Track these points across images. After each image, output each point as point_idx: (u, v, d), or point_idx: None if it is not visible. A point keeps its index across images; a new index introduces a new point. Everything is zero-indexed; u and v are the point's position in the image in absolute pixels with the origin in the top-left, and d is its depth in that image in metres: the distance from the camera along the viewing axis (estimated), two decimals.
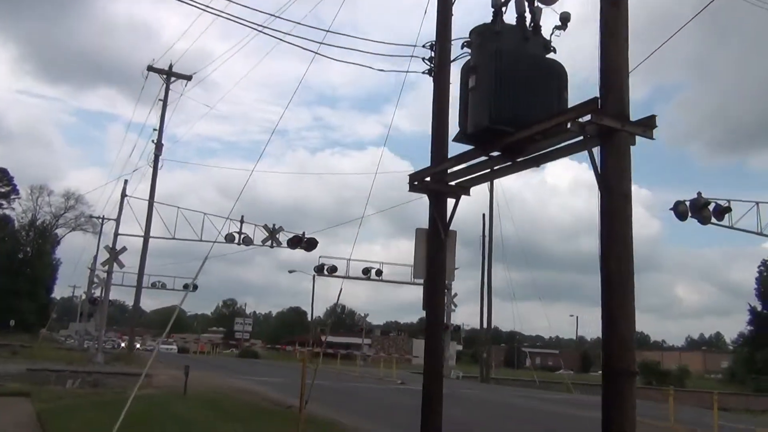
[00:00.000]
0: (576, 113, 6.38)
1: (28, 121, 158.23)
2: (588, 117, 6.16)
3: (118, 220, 26.19)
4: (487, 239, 37.03)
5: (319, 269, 36.00)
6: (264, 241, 28.38)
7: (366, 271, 36.98)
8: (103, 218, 65.32)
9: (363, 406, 16.44)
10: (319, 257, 36.31)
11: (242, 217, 28.10)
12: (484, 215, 37.55)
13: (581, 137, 6.51)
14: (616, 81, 6.22)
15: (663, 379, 62.06)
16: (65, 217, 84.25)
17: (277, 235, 28.51)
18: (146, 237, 29.56)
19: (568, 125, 6.52)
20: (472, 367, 50.21)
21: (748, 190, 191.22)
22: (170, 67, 34.91)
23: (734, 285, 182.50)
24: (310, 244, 28.63)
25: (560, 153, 7.28)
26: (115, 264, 26.67)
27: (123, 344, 56.16)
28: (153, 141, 33.40)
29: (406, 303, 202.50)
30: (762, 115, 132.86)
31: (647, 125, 6.34)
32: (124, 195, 26.61)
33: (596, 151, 6.28)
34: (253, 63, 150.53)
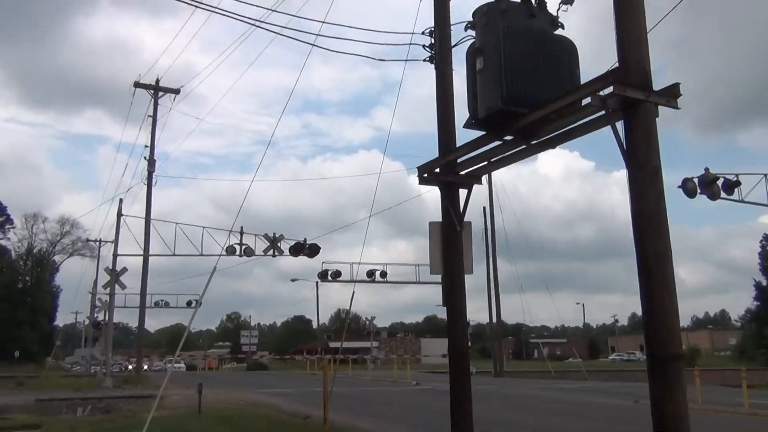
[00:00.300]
0: (595, 86, 6.04)
1: (15, 149, 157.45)
2: (610, 89, 5.82)
3: (116, 241, 25.79)
4: (489, 231, 36.67)
5: (323, 275, 35.56)
6: (266, 251, 27.94)
7: (370, 274, 36.55)
8: (100, 241, 64.90)
9: (383, 410, 16.05)
10: (322, 263, 35.94)
11: (242, 228, 27.67)
12: (484, 208, 37.28)
13: (602, 112, 6.17)
14: (637, 50, 5.89)
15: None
16: (62, 243, 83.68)
17: (279, 244, 28.09)
18: (146, 255, 29.13)
19: (588, 100, 6.20)
20: (481, 362, 49.87)
21: (737, 167, 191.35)
22: (157, 81, 34.54)
23: (733, 262, 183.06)
24: (312, 251, 28.21)
25: (578, 131, 6.93)
26: (116, 286, 26.23)
27: (130, 366, 55.67)
28: (145, 158, 33.05)
29: (408, 304, 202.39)
30: (747, 93, 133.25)
31: (671, 94, 6.01)
32: (120, 215, 26.20)
33: (619, 126, 5.95)
34: (238, 74, 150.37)
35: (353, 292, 11.02)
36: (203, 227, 27.04)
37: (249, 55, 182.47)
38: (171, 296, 51.73)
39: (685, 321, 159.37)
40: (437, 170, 8.79)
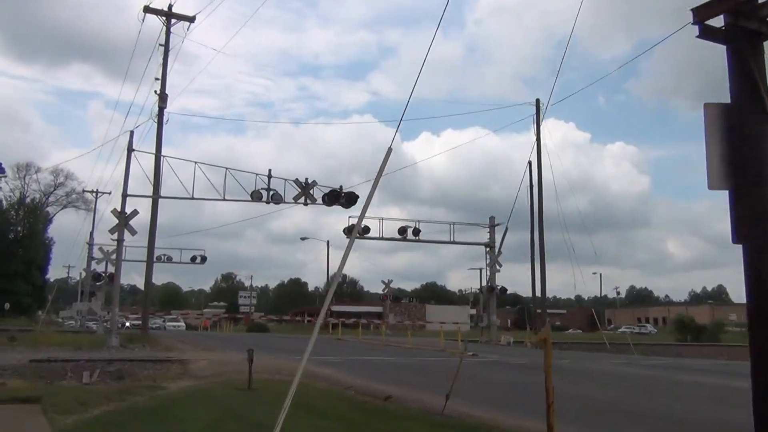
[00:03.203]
0: None
1: (3, 103, 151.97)
2: None
3: (126, 178, 22.14)
4: (536, 190, 33.06)
5: (350, 230, 32.19)
6: (296, 198, 24.48)
7: (402, 231, 33.28)
8: (97, 192, 61.35)
9: (483, 392, 12.64)
10: (348, 217, 32.62)
11: (270, 171, 24.15)
12: (530, 162, 33.61)
13: None
14: None
15: (698, 335, 59.34)
16: (55, 194, 79.86)
17: (311, 191, 24.58)
18: (155, 197, 25.50)
19: None
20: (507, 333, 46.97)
21: None
22: (170, 7, 30.48)
23: (723, 237, 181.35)
24: (349, 199, 24.73)
25: None
26: (125, 231, 22.63)
27: (128, 324, 52.67)
28: (156, 92, 29.16)
29: (400, 270, 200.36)
30: None
31: None
32: (131, 149, 22.51)
33: None
34: (232, 34, 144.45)
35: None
36: (226, 168, 23.43)
37: (244, 15, 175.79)
38: (173, 250, 48.62)
39: (682, 295, 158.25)
40: (724, 15, 5.23)
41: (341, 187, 24.94)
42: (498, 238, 35.61)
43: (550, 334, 5.40)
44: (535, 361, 20.45)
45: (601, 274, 69.79)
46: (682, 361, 23.99)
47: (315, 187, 24.81)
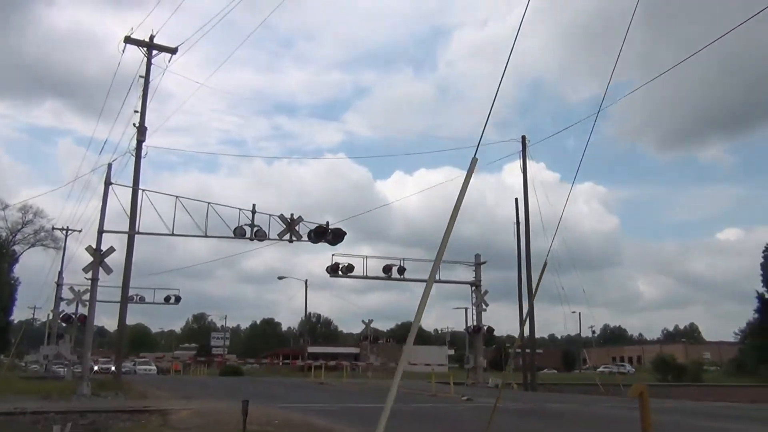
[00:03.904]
0: None
1: None
2: None
3: (102, 213, 20.88)
4: (522, 227, 32.44)
5: (333, 269, 31.19)
6: (281, 235, 23.43)
7: (387, 269, 32.34)
8: (67, 230, 59.37)
9: None
10: (332, 255, 31.62)
11: (254, 206, 23.15)
12: (516, 200, 33.17)
13: None
14: None
15: (680, 375, 58.90)
16: (23, 232, 77.13)
17: (297, 227, 23.60)
18: (132, 234, 24.26)
19: None
20: (461, 372, 45.66)
21: (698, 184, 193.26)
22: (151, 38, 29.64)
23: (693, 276, 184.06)
24: (336, 236, 23.77)
25: None
26: (100, 270, 21.30)
27: (96, 368, 50.33)
28: (134, 125, 28.13)
29: (375, 309, 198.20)
30: (706, 111, 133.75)
31: None
32: (108, 183, 21.34)
33: None
34: (208, 74, 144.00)
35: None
36: (209, 203, 22.35)
37: (221, 55, 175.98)
38: (146, 290, 46.84)
39: (655, 334, 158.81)
40: None
41: (328, 223, 24.02)
42: (483, 276, 34.98)
43: (645, 388, 4.57)
44: (534, 405, 19.52)
45: (580, 314, 69.01)
46: (685, 404, 23.14)
47: (300, 224, 23.85)
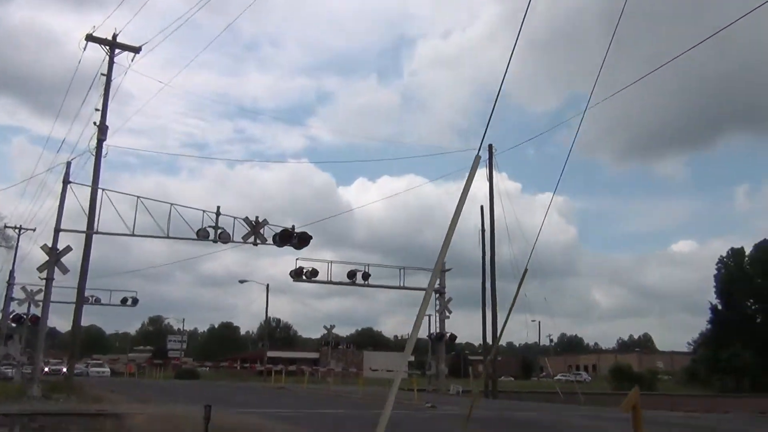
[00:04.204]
0: None
1: None
2: None
3: (60, 211, 20.24)
4: (488, 232, 32.49)
5: (297, 273, 30.85)
6: (245, 237, 23.06)
7: (352, 275, 32.14)
8: (20, 228, 57.56)
9: None
10: (296, 260, 31.29)
11: (218, 208, 22.72)
12: (482, 207, 33.27)
13: None
14: None
15: (635, 384, 59.67)
16: None
17: (262, 230, 23.26)
18: (90, 233, 23.53)
19: None
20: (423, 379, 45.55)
21: (654, 196, 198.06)
22: (114, 37, 28.95)
23: (647, 287, 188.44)
24: (301, 240, 23.51)
25: None
26: (42, 273, 20.58)
27: (46, 369, 48.86)
28: (95, 123, 27.40)
29: (334, 314, 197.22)
30: (664, 124, 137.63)
31: None
32: (67, 181, 20.69)
33: None
34: (170, 75, 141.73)
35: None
36: (171, 204, 21.85)
37: (182, 57, 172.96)
38: (102, 292, 45.71)
39: (610, 343, 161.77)
40: None
41: (293, 227, 23.74)
42: (448, 283, 35.07)
43: (639, 400, 4.47)
44: (499, 414, 19.50)
45: (540, 322, 69.68)
46: (646, 414, 23.40)
47: (265, 227, 23.51)
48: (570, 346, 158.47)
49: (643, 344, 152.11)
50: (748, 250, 70.37)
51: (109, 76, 28.38)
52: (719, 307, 68.44)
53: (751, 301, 69.41)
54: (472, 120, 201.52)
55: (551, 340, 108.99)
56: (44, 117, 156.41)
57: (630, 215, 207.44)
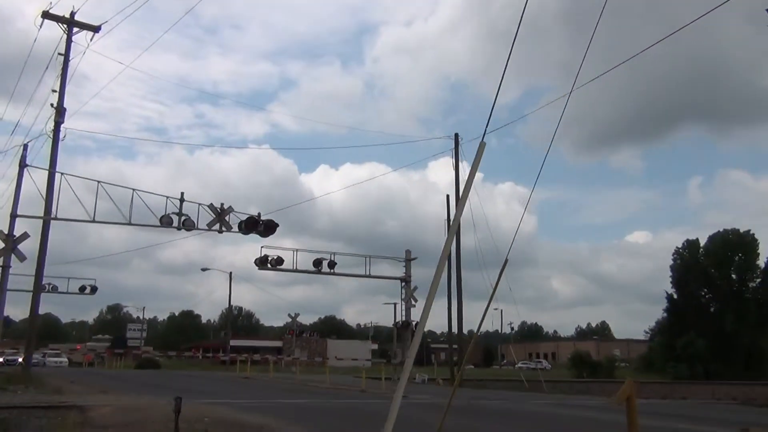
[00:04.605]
0: None
1: None
2: None
3: (16, 196, 19.54)
4: (453, 219, 32.51)
5: (262, 262, 30.41)
6: (210, 225, 22.65)
7: (317, 263, 31.79)
8: None
9: None
10: (261, 247, 30.82)
11: (182, 194, 22.24)
12: (448, 196, 33.40)
13: None
14: None
15: (594, 371, 61.14)
16: None
17: (227, 218, 22.87)
18: (46, 218, 22.82)
19: None
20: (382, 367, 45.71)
21: (609, 188, 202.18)
22: (72, 15, 28.00)
23: (604, 276, 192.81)
24: (267, 228, 23.20)
25: None
26: (11, 257, 19.92)
27: (0, 359, 47.60)
28: (52, 105, 26.52)
29: (297, 303, 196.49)
30: (620, 118, 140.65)
31: None
32: (23, 165, 19.97)
33: None
34: (129, 57, 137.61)
35: None
36: (133, 189, 21.31)
37: (142, 39, 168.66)
38: (59, 279, 44.44)
39: (569, 331, 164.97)
40: None
41: (259, 214, 23.39)
42: (413, 272, 35.02)
43: (634, 392, 4.42)
44: (467, 402, 19.61)
45: (502, 310, 70.53)
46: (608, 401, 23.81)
47: (231, 214, 23.11)
48: (530, 334, 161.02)
49: (601, 332, 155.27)
50: (702, 242, 72.42)
51: (66, 56, 27.50)
52: (675, 296, 70.33)
53: (705, 290, 71.51)
54: (434, 109, 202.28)
55: (512, 329, 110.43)
56: None
57: (587, 206, 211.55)
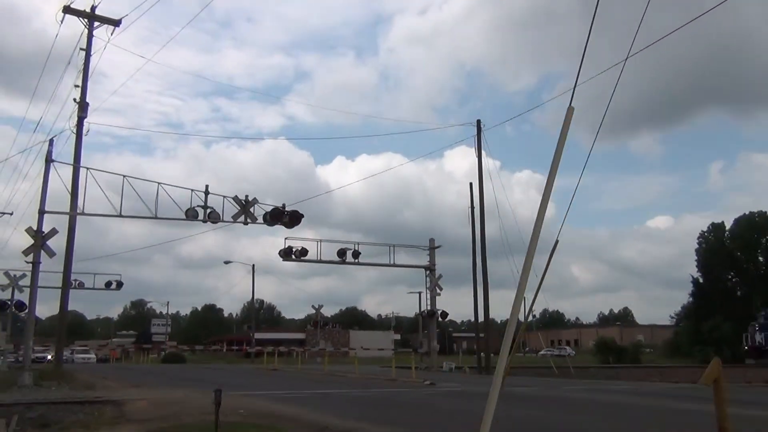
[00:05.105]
0: None
1: None
2: None
3: (43, 192, 19.53)
4: (478, 207, 32.16)
5: (286, 253, 30.42)
6: (236, 217, 22.55)
7: (341, 253, 31.77)
8: None
9: None
10: (285, 239, 30.85)
11: (207, 187, 22.15)
12: (471, 184, 33.01)
13: None
14: None
15: (620, 356, 60.60)
16: None
17: (251, 209, 22.76)
18: (73, 214, 22.87)
19: None
20: (405, 356, 45.63)
21: (629, 173, 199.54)
22: (93, 9, 27.99)
23: (625, 262, 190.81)
24: (293, 219, 23.05)
25: None
26: (32, 255, 19.92)
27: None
28: (75, 100, 26.61)
29: (314, 295, 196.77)
30: (638, 102, 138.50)
31: None
32: (49, 160, 19.96)
33: None
34: (144, 54, 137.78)
35: None
36: (159, 183, 21.25)
37: (156, 35, 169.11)
38: (85, 276, 44.85)
39: (591, 318, 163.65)
40: None
41: (284, 205, 23.24)
42: (444, 260, 34.93)
43: (721, 373, 4.14)
44: (507, 390, 19.28)
45: (525, 298, 69.49)
46: (642, 386, 23.52)
47: (255, 205, 22.99)
48: (551, 321, 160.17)
49: (623, 318, 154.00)
50: (727, 225, 71.34)
51: (88, 51, 27.54)
52: (700, 280, 69.43)
53: (732, 274, 70.55)
54: (450, 98, 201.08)
55: (534, 316, 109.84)
56: (12, 97, 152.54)
57: (606, 192, 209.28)
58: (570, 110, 4.10)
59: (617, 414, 13.57)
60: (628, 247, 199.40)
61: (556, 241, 7.47)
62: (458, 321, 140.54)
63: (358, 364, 28.04)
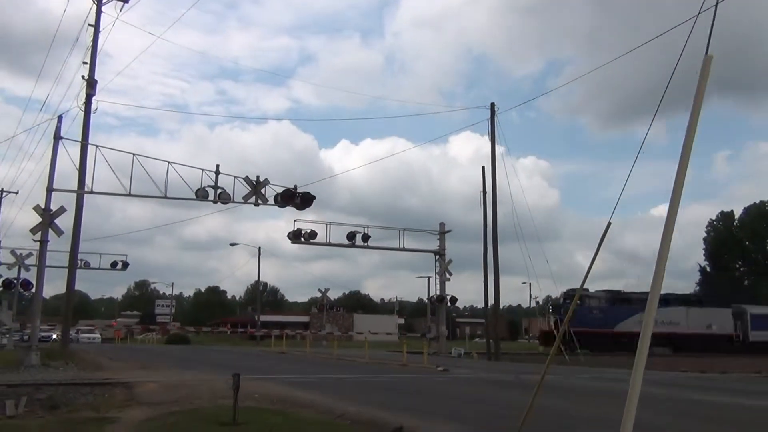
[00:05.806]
0: None
1: None
2: None
3: (51, 170, 19.15)
4: (490, 192, 31.72)
5: (296, 235, 30.07)
6: (246, 198, 22.18)
7: (351, 236, 31.41)
8: (2, 191, 56.03)
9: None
10: (294, 221, 30.49)
11: (217, 167, 21.76)
12: (483, 168, 32.54)
13: None
14: None
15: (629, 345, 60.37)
16: None
17: (263, 190, 22.37)
18: (81, 193, 22.52)
19: None
20: (413, 341, 45.39)
21: (639, 160, 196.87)
22: None
23: (629, 250, 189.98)
24: (304, 201, 22.67)
25: None
26: (40, 233, 19.58)
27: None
28: (83, 77, 26.18)
29: (318, 278, 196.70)
30: (645, 87, 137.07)
31: None
32: (58, 137, 19.55)
33: None
34: (148, 34, 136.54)
35: None
36: (168, 162, 20.85)
37: (161, 16, 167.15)
38: (91, 256, 44.67)
39: None
40: None
41: (296, 186, 22.84)
42: (448, 245, 34.57)
43: None
44: (520, 377, 19.01)
45: (530, 284, 69.86)
46: (652, 375, 23.10)
47: (266, 186, 22.60)
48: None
49: None
50: (736, 214, 70.81)
51: (97, 26, 27.06)
52: (708, 269, 69.14)
53: (740, 263, 70.19)
54: (457, 82, 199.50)
55: (537, 302, 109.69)
56: (17, 76, 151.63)
57: (611, 179, 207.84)
58: (708, 59, 3.67)
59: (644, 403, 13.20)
60: (632, 235, 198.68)
61: (609, 224, 7.04)
62: (461, 306, 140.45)
63: (367, 349, 27.73)
